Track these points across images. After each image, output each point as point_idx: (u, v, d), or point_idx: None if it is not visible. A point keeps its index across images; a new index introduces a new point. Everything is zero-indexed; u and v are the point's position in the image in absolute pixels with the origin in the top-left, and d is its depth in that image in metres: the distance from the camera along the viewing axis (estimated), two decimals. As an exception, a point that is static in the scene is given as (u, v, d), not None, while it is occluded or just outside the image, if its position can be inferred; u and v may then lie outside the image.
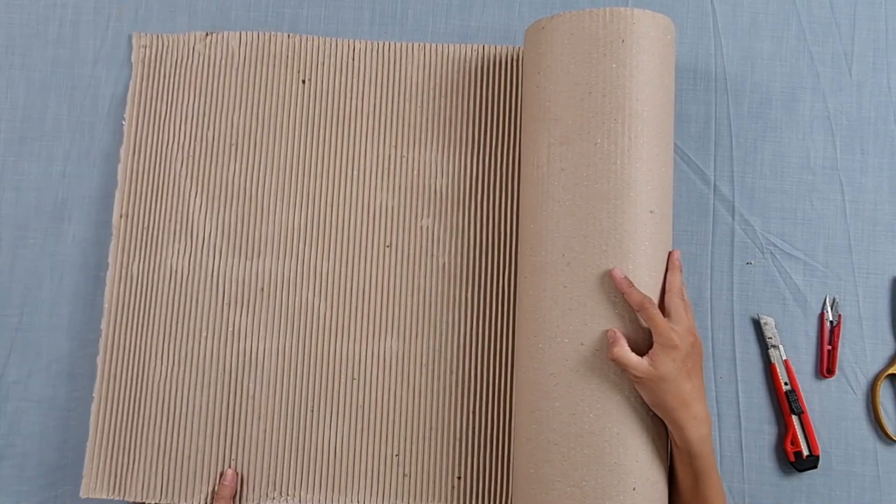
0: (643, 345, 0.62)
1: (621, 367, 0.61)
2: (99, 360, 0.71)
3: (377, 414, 0.71)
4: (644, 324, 0.62)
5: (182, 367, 0.69)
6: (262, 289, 0.71)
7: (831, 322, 0.74)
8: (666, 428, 0.63)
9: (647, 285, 0.63)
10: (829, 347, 0.74)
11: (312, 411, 0.70)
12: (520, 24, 0.77)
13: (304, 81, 0.74)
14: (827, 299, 0.75)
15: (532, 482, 0.64)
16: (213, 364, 0.70)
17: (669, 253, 0.65)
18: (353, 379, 0.71)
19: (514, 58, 0.75)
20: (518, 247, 0.70)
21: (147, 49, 0.75)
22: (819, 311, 0.75)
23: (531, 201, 0.68)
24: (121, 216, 0.73)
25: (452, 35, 0.77)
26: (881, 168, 0.77)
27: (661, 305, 0.63)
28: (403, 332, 0.72)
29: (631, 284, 0.62)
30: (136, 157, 0.74)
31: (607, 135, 0.64)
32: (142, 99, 0.75)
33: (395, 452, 0.70)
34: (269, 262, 0.72)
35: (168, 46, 0.75)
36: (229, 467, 0.69)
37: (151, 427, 0.69)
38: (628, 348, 0.61)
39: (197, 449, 0.69)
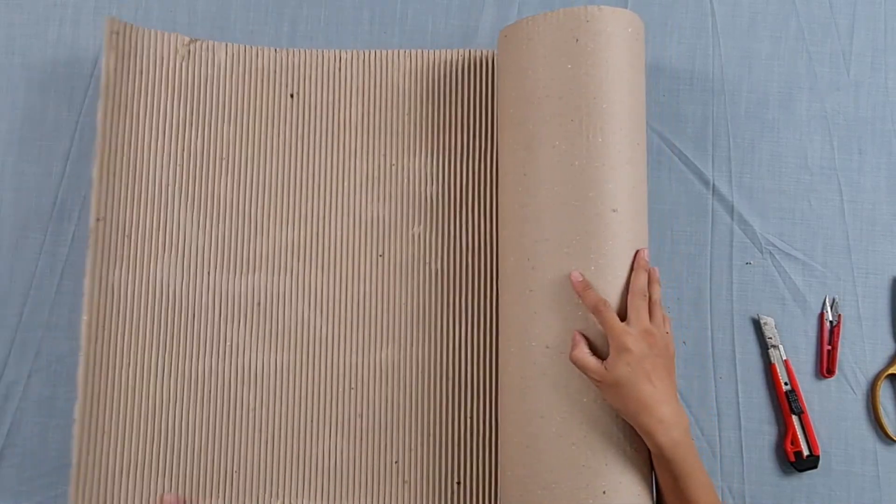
0: (608, 347, 0.61)
1: (581, 370, 0.60)
2: (79, 376, 0.67)
3: (376, 422, 0.70)
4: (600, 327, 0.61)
5: (178, 384, 0.69)
6: (259, 303, 0.71)
7: (831, 322, 0.74)
8: None
9: (611, 286, 0.62)
10: (829, 347, 0.74)
11: (311, 422, 0.70)
12: (519, 25, 0.77)
13: (292, 95, 0.74)
14: (826, 299, 0.75)
15: (511, 484, 0.64)
16: (211, 380, 0.69)
17: (636, 252, 0.63)
18: (350, 388, 0.71)
19: None
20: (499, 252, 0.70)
21: (119, 36, 0.72)
22: (819, 312, 0.75)
23: (503, 207, 0.68)
24: (98, 219, 0.69)
25: (452, 36, 0.77)
26: (879, 168, 0.77)
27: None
28: (399, 340, 0.72)
29: (587, 287, 0.61)
30: (113, 155, 0.71)
31: (565, 136, 0.63)
32: (117, 92, 0.71)
33: (394, 460, 0.70)
34: (263, 277, 0.71)
35: (146, 41, 0.73)
36: (168, 492, 0.67)
37: (146, 446, 0.68)
38: (587, 351, 0.60)
39: (195, 466, 0.68)
